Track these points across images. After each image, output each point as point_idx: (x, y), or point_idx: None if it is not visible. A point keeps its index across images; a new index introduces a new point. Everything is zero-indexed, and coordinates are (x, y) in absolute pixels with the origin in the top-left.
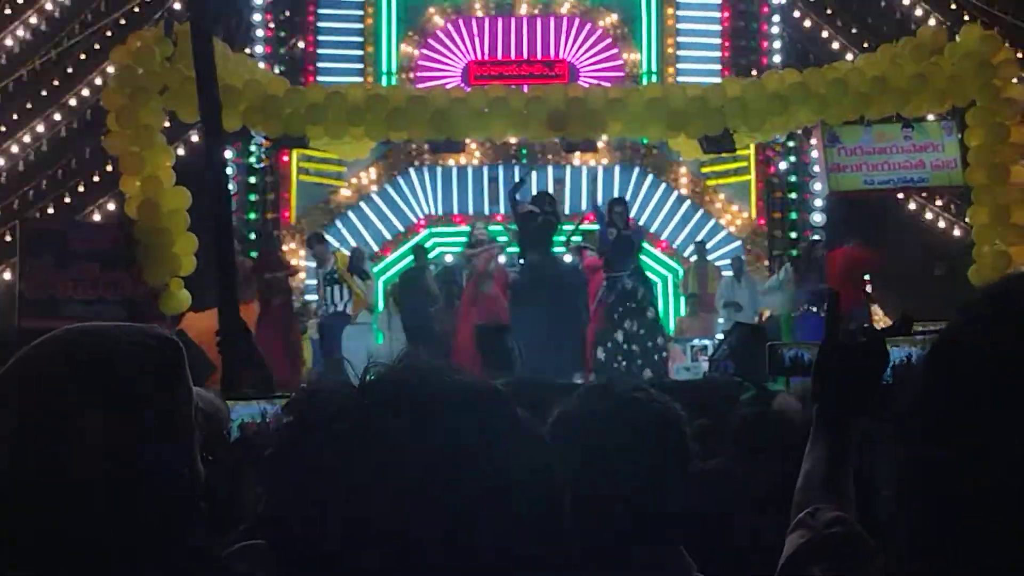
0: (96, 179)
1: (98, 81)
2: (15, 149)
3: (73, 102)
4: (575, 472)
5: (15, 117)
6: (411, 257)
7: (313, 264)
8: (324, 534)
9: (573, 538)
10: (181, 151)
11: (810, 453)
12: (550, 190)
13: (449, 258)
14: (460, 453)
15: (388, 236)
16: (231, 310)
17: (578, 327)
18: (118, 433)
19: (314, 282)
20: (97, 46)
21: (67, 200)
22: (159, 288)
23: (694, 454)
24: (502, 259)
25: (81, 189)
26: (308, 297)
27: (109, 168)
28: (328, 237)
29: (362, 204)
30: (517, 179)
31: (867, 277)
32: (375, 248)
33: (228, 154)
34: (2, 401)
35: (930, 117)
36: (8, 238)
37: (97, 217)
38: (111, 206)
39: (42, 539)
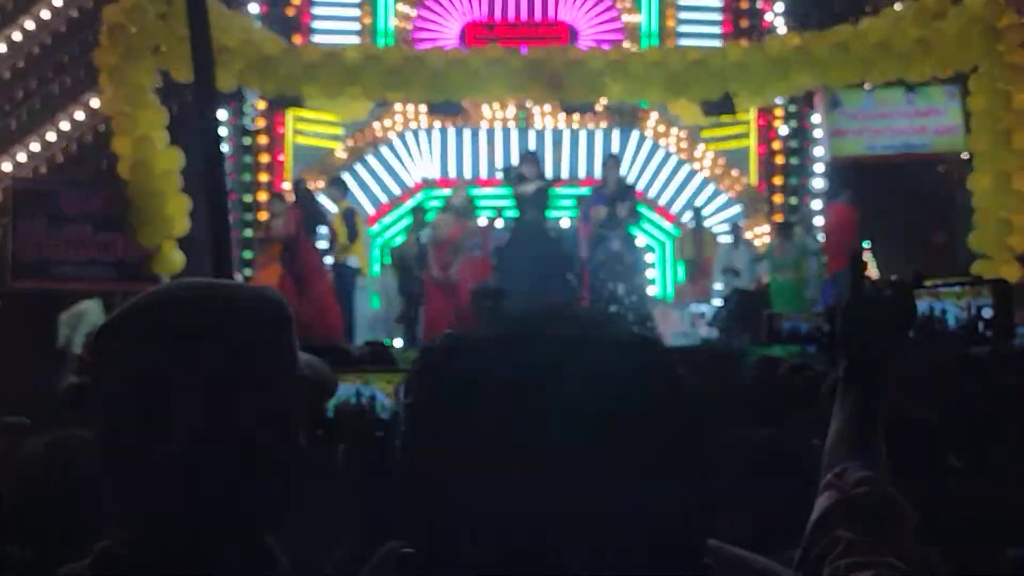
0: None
1: None
2: None
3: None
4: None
5: None
6: (410, 219)
7: None
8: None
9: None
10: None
11: (838, 411)
12: (547, 154)
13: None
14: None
15: (384, 199)
16: (225, 269)
17: (564, 291)
18: (229, 391)
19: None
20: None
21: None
22: (152, 250)
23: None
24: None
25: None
26: None
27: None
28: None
29: (358, 166)
30: (532, 188)
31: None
32: (371, 211)
33: (223, 115)
34: (118, 343)
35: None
36: None
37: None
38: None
39: (134, 505)
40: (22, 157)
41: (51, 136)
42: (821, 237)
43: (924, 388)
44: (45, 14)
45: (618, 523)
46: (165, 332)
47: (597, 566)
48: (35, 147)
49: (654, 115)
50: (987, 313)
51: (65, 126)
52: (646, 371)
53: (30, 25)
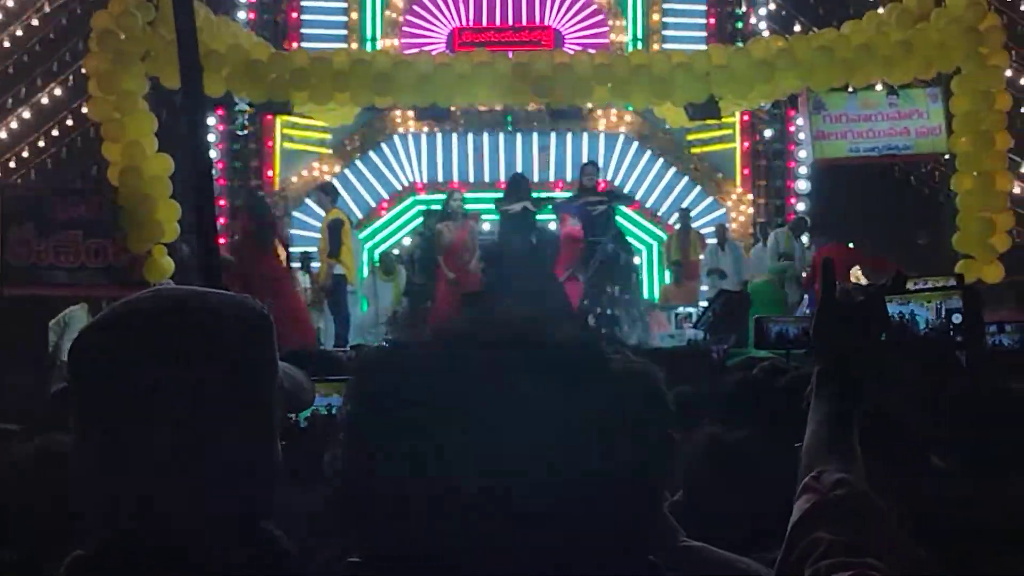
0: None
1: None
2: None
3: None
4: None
5: None
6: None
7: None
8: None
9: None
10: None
11: (813, 415)
12: (534, 157)
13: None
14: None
15: (372, 204)
16: (213, 278)
17: (553, 292)
18: (207, 401)
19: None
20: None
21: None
22: (142, 255)
23: (676, 417)
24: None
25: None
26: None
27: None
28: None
29: (346, 171)
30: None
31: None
32: (359, 216)
33: (211, 121)
34: (94, 352)
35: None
36: None
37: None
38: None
39: (114, 514)
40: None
41: (41, 143)
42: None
43: (903, 389)
44: (35, 21)
45: (553, 526)
46: (142, 340)
47: (537, 567)
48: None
49: (639, 118)
50: (957, 318)
51: (55, 132)
52: (581, 376)
53: (19, 32)
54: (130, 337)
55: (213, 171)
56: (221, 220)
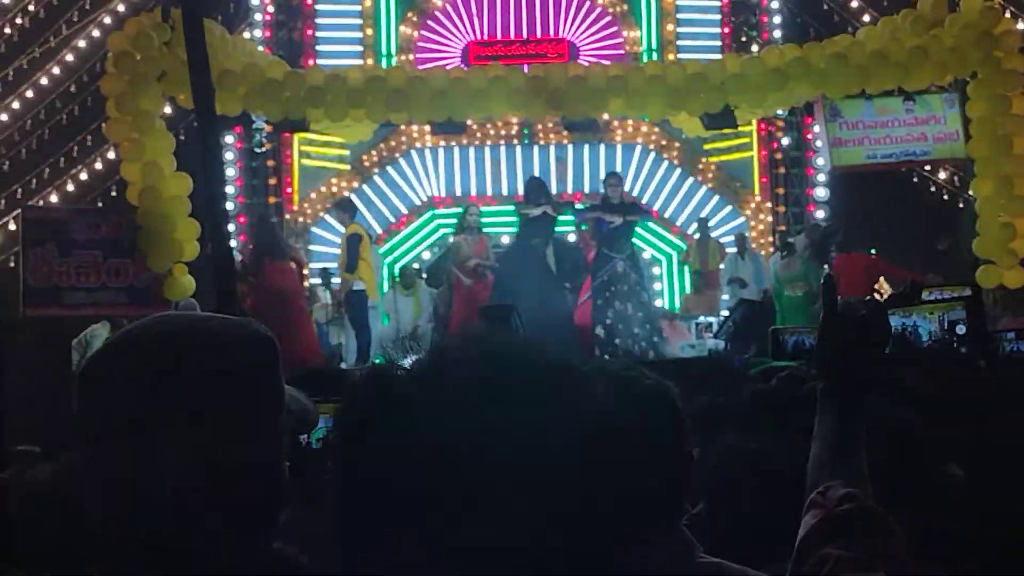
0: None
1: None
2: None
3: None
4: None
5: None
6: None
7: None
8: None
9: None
10: (182, 137)
11: (818, 431)
12: (552, 169)
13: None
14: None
15: (392, 219)
16: (230, 296)
17: (564, 304)
18: (212, 428)
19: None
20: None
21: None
22: (162, 274)
23: (691, 431)
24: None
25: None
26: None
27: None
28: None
29: (365, 187)
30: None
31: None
32: (379, 231)
33: (229, 139)
34: (100, 379)
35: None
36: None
37: (84, 177)
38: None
39: (116, 538)
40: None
41: (84, 176)
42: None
43: (916, 400)
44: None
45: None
46: (147, 366)
47: None
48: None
49: (656, 128)
50: (961, 329)
51: (99, 165)
52: (562, 406)
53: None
54: (136, 363)
55: (227, 194)
56: (241, 237)
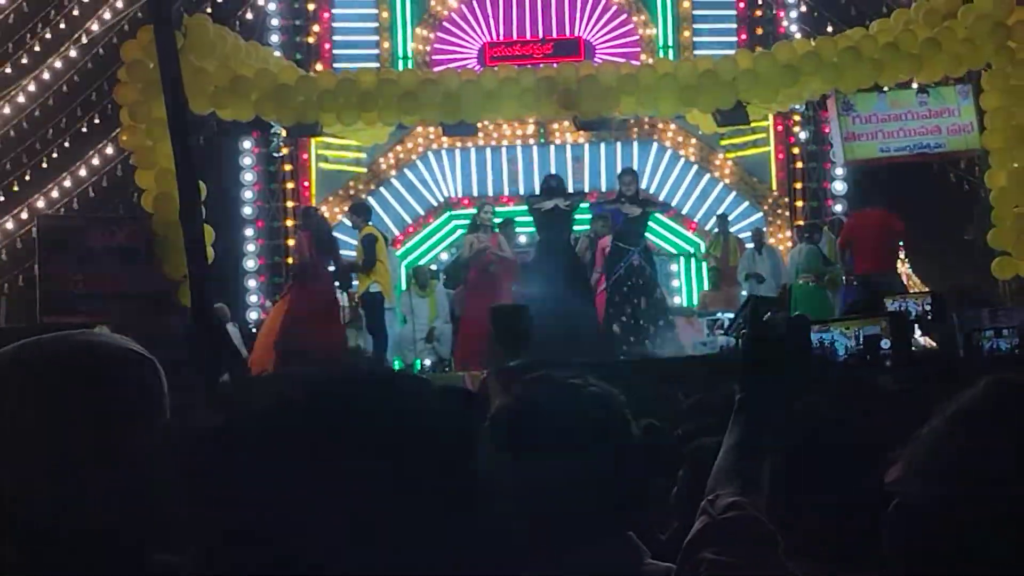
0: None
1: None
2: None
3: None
4: (517, 464)
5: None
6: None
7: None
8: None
9: (517, 530)
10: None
11: (726, 440)
12: (568, 168)
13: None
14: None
15: (408, 220)
16: (204, 306)
17: (589, 305)
18: (78, 449)
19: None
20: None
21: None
22: (178, 281)
23: (639, 439)
24: (521, 239)
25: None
26: None
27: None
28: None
29: (381, 189)
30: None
31: (900, 244)
32: (396, 233)
33: (246, 144)
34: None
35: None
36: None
37: (96, 162)
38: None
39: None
40: (55, 194)
41: (83, 171)
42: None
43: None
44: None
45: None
46: (24, 385)
47: None
48: (67, 183)
49: (672, 126)
50: (885, 343)
51: (95, 161)
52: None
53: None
54: (14, 382)
55: (201, 211)
56: (259, 241)
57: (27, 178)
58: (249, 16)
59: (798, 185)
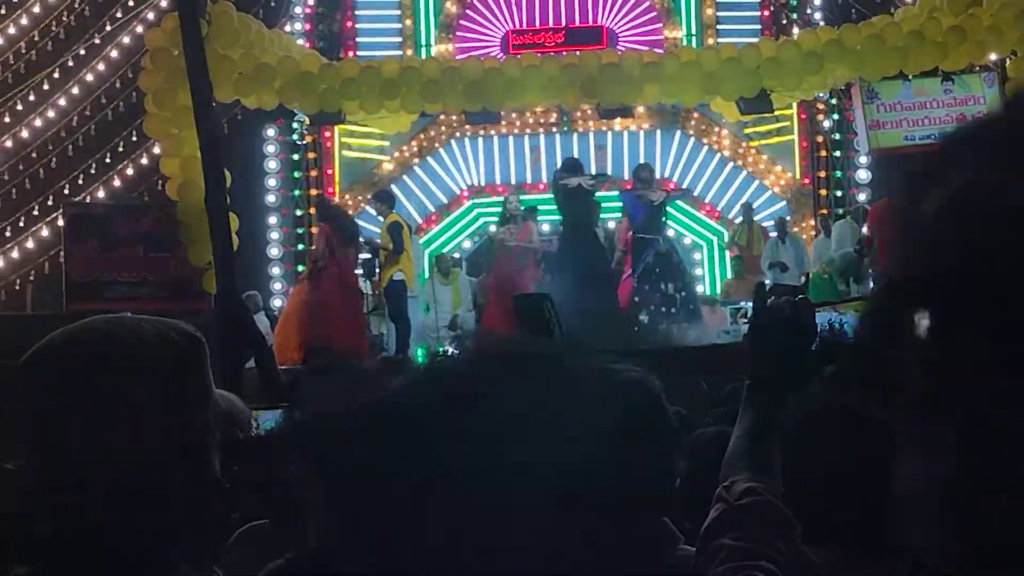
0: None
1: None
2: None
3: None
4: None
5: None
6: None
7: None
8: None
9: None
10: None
11: (737, 427)
12: (591, 155)
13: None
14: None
15: (432, 208)
16: (230, 290)
17: (612, 293)
18: (122, 429)
19: None
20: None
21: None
22: (203, 268)
23: (676, 425)
24: (544, 227)
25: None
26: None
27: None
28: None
29: (405, 177)
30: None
31: None
32: (419, 220)
33: (270, 132)
34: (22, 386)
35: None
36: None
37: (130, 172)
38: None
39: (42, 539)
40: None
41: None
42: (864, 231)
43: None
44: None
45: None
46: (74, 367)
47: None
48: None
49: (695, 114)
50: None
51: (144, 160)
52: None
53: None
54: (63, 366)
55: (226, 194)
56: (283, 229)
57: (80, 180)
58: (272, 4)
59: (822, 174)
